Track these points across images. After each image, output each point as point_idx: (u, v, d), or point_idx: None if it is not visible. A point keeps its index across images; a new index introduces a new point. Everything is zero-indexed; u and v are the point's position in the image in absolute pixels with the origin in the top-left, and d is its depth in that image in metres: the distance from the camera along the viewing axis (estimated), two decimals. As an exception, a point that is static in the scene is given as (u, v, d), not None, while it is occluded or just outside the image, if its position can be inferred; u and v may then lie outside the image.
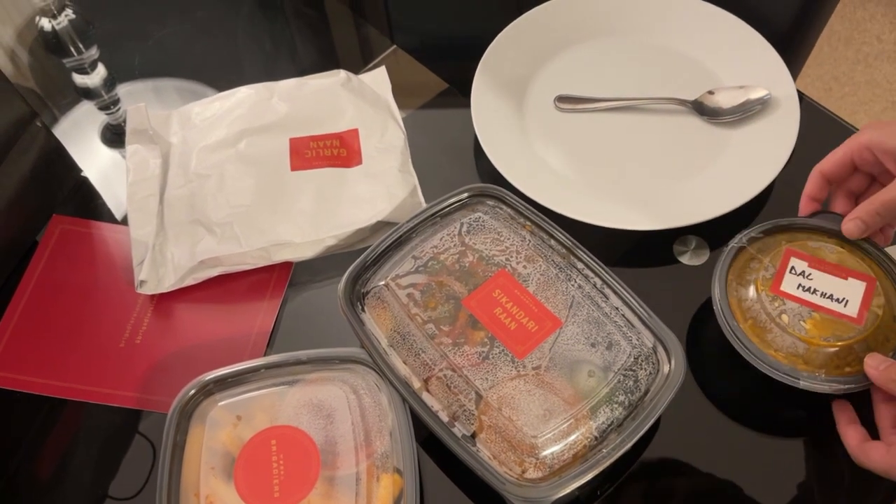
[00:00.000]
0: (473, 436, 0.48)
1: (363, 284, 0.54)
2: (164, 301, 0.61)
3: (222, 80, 0.72)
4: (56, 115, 0.74)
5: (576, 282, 0.53)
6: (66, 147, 0.69)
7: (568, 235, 0.55)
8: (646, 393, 0.49)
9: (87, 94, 0.72)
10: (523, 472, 0.46)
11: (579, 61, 0.73)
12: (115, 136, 0.72)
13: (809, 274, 0.52)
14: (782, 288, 0.52)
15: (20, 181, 0.63)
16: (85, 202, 0.68)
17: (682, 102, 0.68)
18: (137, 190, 0.64)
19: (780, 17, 0.82)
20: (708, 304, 0.55)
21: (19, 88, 0.66)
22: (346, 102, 0.68)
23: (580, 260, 0.54)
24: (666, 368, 0.49)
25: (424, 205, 0.62)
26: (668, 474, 0.53)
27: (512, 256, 0.54)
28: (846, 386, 0.49)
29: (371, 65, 0.75)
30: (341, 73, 0.70)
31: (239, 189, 0.63)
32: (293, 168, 0.64)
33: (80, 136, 0.72)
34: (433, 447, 0.53)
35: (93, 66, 0.70)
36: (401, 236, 0.56)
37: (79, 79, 0.71)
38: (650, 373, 0.49)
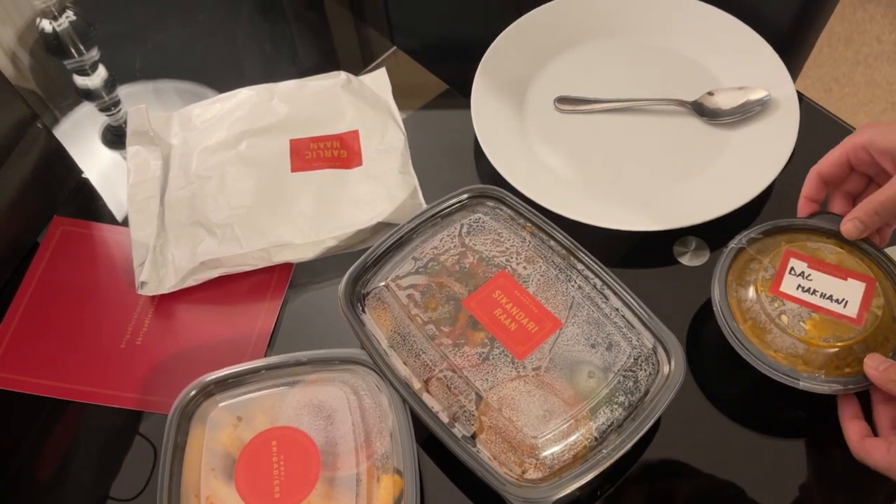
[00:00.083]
0: (473, 436, 0.48)
1: (363, 285, 0.55)
2: (164, 302, 0.61)
3: (223, 81, 0.72)
4: (57, 117, 0.74)
5: (576, 283, 0.53)
6: (67, 148, 0.69)
7: (568, 236, 0.55)
8: (646, 394, 0.49)
9: (87, 95, 0.72)
10: (523, 472, 0.46)
11: (579, 62, 0.73)
12: (115, 138, 0.72)
13: (809, 275, 0.52)
14: (782, 289, 0.52)
15: (21, 182, 0.63)
16: (86, 203, 0.68)
17: (682, 103, 0.68)
18: (138, 191, 0.64)
19: (779, 18, 0.82)
20: (708, 304, 0.55)
21: (20, 90, 0.67)
22: (346, 104, 0.68)
23: (580, 261, 0.54)
24: (666, 369, 0.49)
25: (425, 206, 0.62)
26: (668, 475, 0.53)
27: (512, 257, 0.54)
28: (846, 387, 0.49)
29: (371, 66, 0.75)
30: (341, 75, 0.70)
31: (239, 190, 0.63)
32: (293, 169, 0.64)
33: (81, 137, 0.72)
34: (433, 448, 0.53)
35: (93, 67, 0.71)
36: (401, 237, 0.56)
37: (80, 80, 0.71)
38: (650, 373, 0.50)
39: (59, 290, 0.62)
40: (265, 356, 0.58)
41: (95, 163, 0.71)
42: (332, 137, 0.66)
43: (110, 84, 0.72)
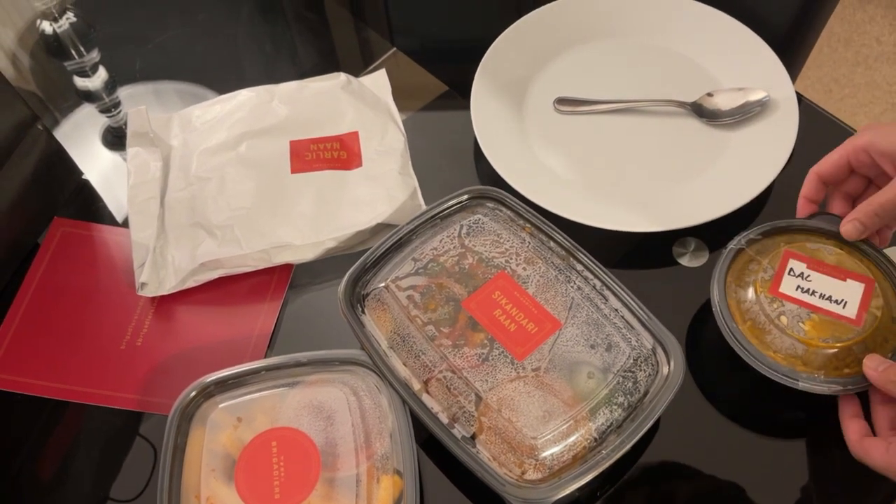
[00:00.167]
0: (473, 437, 0.48)
1: (363, 286, 0.55)
2: (164, 303, 0.61)
3: (223, 83, 0.72)
4: (57, 118, 0.74)
5: (575, 283, 0.53)
6: (68, 150, 0.69)
7: (567, 237, 0.55)
8: (645, 394, 0.49)
9: (88, 97, 0.72)
10: (523, 473, 0.46)
11: (578, 63, 0.73)
12: (115, 139, 0.72)
13: (808, 275, 0.52)
14: (781, 290, 0.52)
15: (22, 184, 0.63)
16: (86, 205, 0.68)
17: (681, 104, 0.68)
18: (138, 193, 0.64)
19: (778, 19, 0.82)
20: (707, 305, 0.55)
21: (20, 91, 0.67)
22: (346, 105, 0.68)
23: (579, 262, 0.54)
24: (665, 370, 0.50)
25: (424, 207, 0.62)
26: (668, 475, 0.53)
27: (511, 258, 0.54)
28: (845, 387, 0.49)
29: (371, 67, 0.75)
30: (341, 76, 0.70)
31: (239, 192, 0.63)
32: (293, 171, 0.64)
33: (82, 138, 0.73)
34: (433, 449, 0.53)
35: (94, 69, 0.71)
36: (401, 238, 0.56)
37: (80, 82, 0.71)
38: (649, 374, 0.50)
39: (60, 291, 0.62)
40: (265, 357, 0.58)
41: (96, 164, 0.71)
42: (331, 139, 0.66)
43: (110, 85, 0.72)
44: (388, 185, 0.63)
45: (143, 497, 0.54)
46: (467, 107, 0.67)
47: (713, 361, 0.57)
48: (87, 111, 0.74)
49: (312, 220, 0.62)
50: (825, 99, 1.62)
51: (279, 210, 0.62)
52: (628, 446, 0.46)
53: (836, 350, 0.49)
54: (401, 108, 0.70)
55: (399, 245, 0.56)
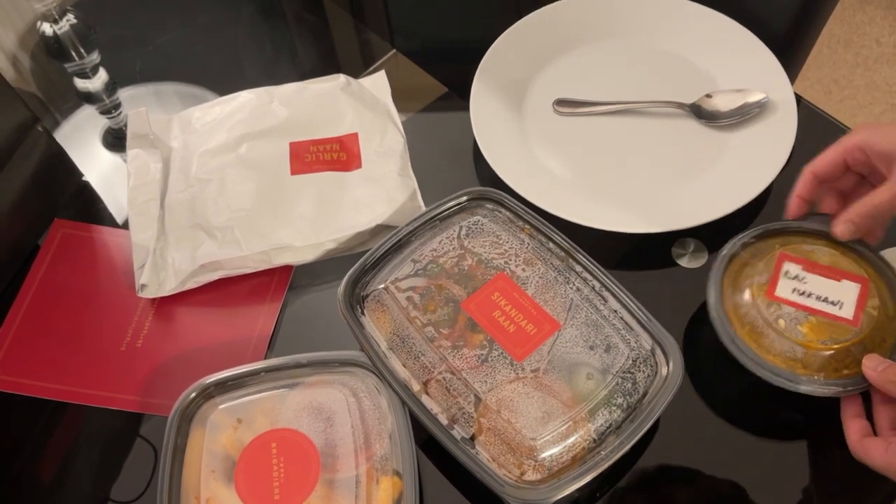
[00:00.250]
0: (472, 438, 0.48)
1: (363, 288, 0.55)
2: (164, 305, 0.61)
3: (223, 84, 0.73)
4: (58, 120, 0.74)
5: (574, 284, 0.53)
6: (68, 151, 0.70)
7: (566, 238, 0.55)
8: (644, 395, 0.49)
9: (88, 98, 0.72)
10: (522, 474, 0.47)
11: (578, 65, 0.73)
12: (116, 141, 0.72)
13: (804, 277, 0.52)
14: (777, 293, 0.52)
15: (22, 185, 0.63)
16: (86, 206, 0.68)
17: (680, 106, 0.68)
18: (138, 194, 0.64)
19: (777, 20, 0.82)
20: (706, 306, 0.55)
21: (21, 93, 0.67)
22: (345, 106, 0.68)
23: (579, 263, 0.54)
24: (664, 371, 0.50)
25: (424, 208, 0.62)
26: (667, 476, 0.53)
27: (511, 259, 0.54)
28: (845, 389, 0.49)
29: (371, 69, 0.75)
30: (341, 78, 0.70)
31: (239, 193, 0.63)
32: (293, 172, 0.64)
33: (82, 140, 0.73)
34: (432, 450, 0.53)
35: (94, 70, 0.71)
36: (400, 240, 0.56)
37: (80, 83, 0.71)
38: (648, 375, 0.50)
39: (60, 292, 0.62)
40: (265, 358, 0.59)
41: (96, 166, 0.71)
42: (331, 140, 0.66)
43: (111, 87, 0.72)
44: (388, 186, 0.64)
45: (143, 498, 0.54)
46: (467, 108, 0.67)
47: (712, 362, 0.57)
48: (88, 113, 0.74)
49: (312, 222, 0.62)
50: (825, 100, 1.62)
51: (279, 211, 0.62)
52: (627, 447, 0.46)
53: (834, 351, 0.49)
54: (400, 110, 0.70)
55: (398, 246, 0.56)
